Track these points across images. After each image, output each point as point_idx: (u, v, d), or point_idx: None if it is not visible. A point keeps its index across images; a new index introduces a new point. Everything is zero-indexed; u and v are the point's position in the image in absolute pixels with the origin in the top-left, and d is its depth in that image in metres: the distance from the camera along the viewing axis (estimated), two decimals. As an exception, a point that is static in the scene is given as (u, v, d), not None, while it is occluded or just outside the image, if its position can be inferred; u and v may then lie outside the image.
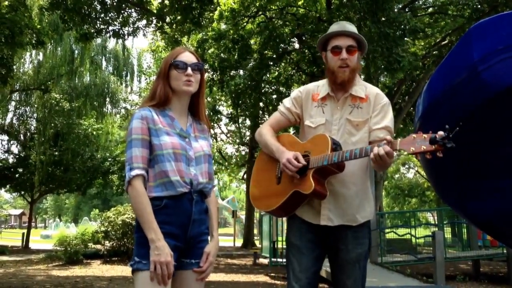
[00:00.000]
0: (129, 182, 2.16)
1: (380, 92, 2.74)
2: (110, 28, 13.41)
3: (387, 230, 13.51)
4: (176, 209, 2.19)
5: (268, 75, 17.02)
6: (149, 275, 2.06)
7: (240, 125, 26.25)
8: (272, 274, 12.30)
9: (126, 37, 13.85)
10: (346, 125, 2.63)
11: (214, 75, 15.13)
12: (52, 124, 23.26)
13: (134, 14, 13.84)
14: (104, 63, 26.82)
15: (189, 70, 2.28)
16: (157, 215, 2.13)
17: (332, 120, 2.66)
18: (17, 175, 24.86)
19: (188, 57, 2.33)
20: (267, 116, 19.45)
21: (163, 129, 2.24)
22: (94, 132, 24.78)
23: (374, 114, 2.64)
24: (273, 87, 18.62)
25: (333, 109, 2.68)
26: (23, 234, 26.47)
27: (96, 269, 13.62)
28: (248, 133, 26.11)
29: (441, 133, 2.09)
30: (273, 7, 15.20)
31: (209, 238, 2.37)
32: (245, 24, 15.34)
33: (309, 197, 2.54)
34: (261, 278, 11.74)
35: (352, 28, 2.71)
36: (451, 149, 2.06)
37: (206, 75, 15.09)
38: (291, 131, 14.61)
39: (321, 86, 2.77)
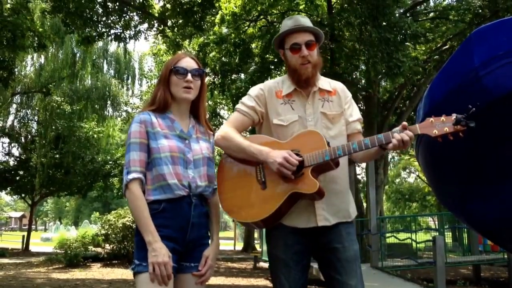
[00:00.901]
0: (127, 185, 2.18)
1: (343, 85, 2.69)
2: (112, 31, 13.46)
3: (387, 235, 13.49)
4: (174, 212, 2.19)
5: (269, 79, 17.02)
6: (149, 277, 2.07)
7: (241, 129, 26.19)
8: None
9: (127, 40, 13.92)
10: (322, 119, 2.51)
11: (215, 79, 15.13)
12: (53, 127, 23.28)
13: (135, 18, 13.90)
14: (105, 66, 26.95)
15: (189, 76, 2.29)
16: (156, 218, 2.14)
17: (306, 116, 2.50)
18: (17, 178, 24.90)
19: (188, 62, 2.33)
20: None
21: (161, 132, 2.24)
22: (95, 135, 24.78)
23: (346, 107, 2.60)
24: (274, 91, 18.60)
25: (304, 105, 2.53)
26: (23, 236, 26.47)
27: (96, 272, 13.61)
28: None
29: (459, 115, 2.13)
30: (275, 11, 15.22)
31: (209, 241, 2.36)
32: (246, 28, 15.35)
33: (304, 198, 2.35)
34: (261, 282, 11.72)
35: (306, 21, 2.58)
36: (473, 128, 2.08)
37: (207, 78, 15.13)
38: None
39: (281, 83, 2.61)
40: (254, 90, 2.64)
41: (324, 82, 2.61)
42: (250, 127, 2.73)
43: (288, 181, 2.32)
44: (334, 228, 2.45)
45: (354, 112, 2.61)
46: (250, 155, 2.41)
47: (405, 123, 2.26)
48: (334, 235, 2.44)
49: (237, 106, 2.64)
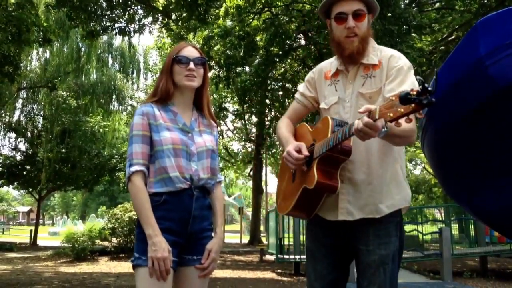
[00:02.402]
0: (129, 178, 2.18)
1: (396, 53, 2.31)
2: (116, 25, 13.46)
3: (394, 227, 13.44)
4: (175, 204, 2.19)
5: (274, 72, 16.99)
6: (148, 271, 2.07)
7: (246, 122, 26.23)
8: (278, 271, 12.30)
9: (132, 34, 13.93)
10: (359, 100, 2.23)
11: (220, 72, 15.11)
12: (59, 122, 23.35)
13: (140, 11, 13.90)
14: (110, 61, 26.99)
15: (192, 65, 2.27)
16: (157, 210, 2.14)
17: (345, 97, 2.28)
18: (24, 173, 25.02)
19: (190, 51, 2.32)
20: (273, 113, 19.43)
21: (163, 124, 2.23)
22: (101, 129, 24.87)
23: (388, 81, 2.21)
24: (279, 84, 18.56)
25: (345, 84, 2.30)
26: (31, 231, 26.66)
27: (104, 265, 13.69)
28: (254, 130, 26.09)
29: (415, 89, 1.68)
30: (279, 4, 15.15)
31: (212, 234, 2.35)
32: (251, 20, 15.29)
33: (321, 192, 2.18)
34: (268, 274, 11.74)
35: None
36: (429, 105, 1.65)
37: (212, 72, 15.12)
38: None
39: (334, 62, 2.39)
40: (308, 75, 2.50)
41: (374, 54, 2.29)
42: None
43: (304, 174, 2.22)
44: (362, 226, 2.20)
45: (397, 86, 2.15)
46: (283, 147, 2.36)
47: (369, 106, 1.87)
48: (360, 235, 2.22)
49: (296, 93, 2.55)
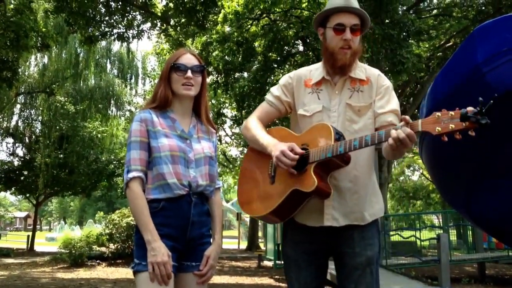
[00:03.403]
0: (127, 184, 2.17)
1: (381, 73, 2.43)
2: (115, 31, 13.50)
3: (392, 233, 13.46)
4: (174, 211, 2.18)
5: (272, 78, 17.01)
6: (149, 276, 2.07)
7: (245, 127, 26.17)
8: (276, 277, 12.28)
9: (130, 40, 13.97)
10: (347, 111, 2.29)
11: (218, 78, 15.14)
12: (57, 127, 23.34)
13: (138, 17, 13.93)
14: (108, 66, 27.03)
15: (189, 73, 2.27)
16: (155, 217, 2.14)
17: (331, 106, 2.31)
18: (22, 178, 24.96)
19: (189, 59, 2.31)
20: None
21: (161, 131, 2.23)
22: (99, 135, 24.84)
23: (378, 98, 2.32)
24: (277, 90, 18.58)
25: (331, 94, 2.33)
26: (28, 236, 26.56)
27: (101, 271, 13.64)
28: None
29: (471, 108, 1.78)
30: (277, 10, 15.18)
31: (211, 240, 2.35)
32: (249, 26, 15.32)
33: (310, 197, 2.18)
34: (266, 280, 11.72)
35: (356, 3, 2.33)
36: (485, 126, 1.74)
37: (210, 77, 15.15)
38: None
39: (314, 70, 2.43)
40: (283, 79, 2.50)
41: (360, 70, 2.37)
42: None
43: (293, 177, 2.19)
44: (346, 231, 2.26)
45: (387, 103, 2.30)
46: (262, 147, 2.33)
47: (406, 117, 1.94)
48: (345, 239, 2.27)
49: (267, 95, 2.54)
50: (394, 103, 2.32)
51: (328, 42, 2.34)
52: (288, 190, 2.19)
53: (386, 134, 1.98)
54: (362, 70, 2.38)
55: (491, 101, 1.75)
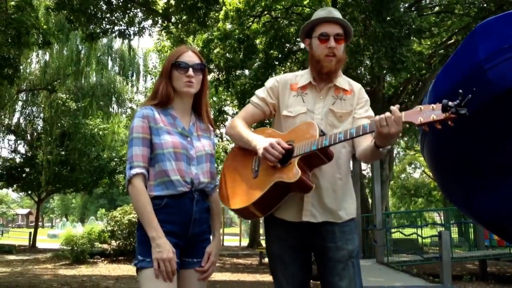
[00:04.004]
0: (129, 181, 2.17)
1: (362, 88, 2.61)
2: (116, 28, 13.45)
3: (393, 230, 13.48)
4: (176, 208, 2.19)
5: (273, 75, 17.03)
6: (154, 273, 2.07)
7: (246, 125, 26.15)
8: (277, 274, 12.29)
9: (132, 37, 13.88)
10: (329, 116, 2.44)
11: (219, 75, 15.14)
12: (59, 124, 23.33)
13: (139, 14, 13.87)
14: (110, 63, 26.97)
15: (191, 71, 2.27)
16: (158, 214, 2.14)
17: (314, 109, 2.45)
18: (24, 175, 24.98)
19: (190, 57, 2.31)
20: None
21: (164, 128, 2.23)
22: (100, 132, 24.84)
23: (358, 107, 2.50)
24: (278, 87, 18.59)
25: (315, 98, 2.48)
26: (30, 233, 26.63)
27: (103, 268, 13.67)
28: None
29: (452, 102, 1.89)
30: (279, 7, 15.19)
31: (211, 237, 2.36)
32: (250, 23, 15.33)
33: (292, 190, 2.26)
34: (267, 277, 11.73)
35: (339, 15, 2.52)
36: (463, 116, 1.85)
37: (211, 75, 15.13)
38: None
39: (299, 76, 2.57)
40: (269, 82, 2.62)
41: (344, 81, 2.54)
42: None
43: (277, 170, 2.27)
44: (327, 227, 2.38)
45: (363, 112, 2.49)
46: (246, 143, 2.41)
47: (392, 107, 2.04)
48: (326, 233, 2.38)
49: (252, 97, 2.65)
50: (370, 112, 2.50)
51: (314, 50, 2.49)
52: (271, 182, 2.25)
53: (370, 125, 2.08)
54: (346, 81, 2.55)
55: (470, 96, 1.85)
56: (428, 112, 1.94)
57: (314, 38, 2.48)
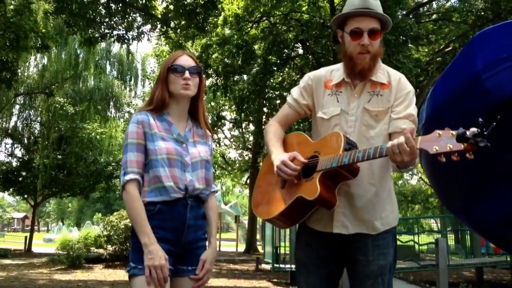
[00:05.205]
0: (123, 187, 2.17)
1: (404, 77, 2.34)
2: (115, 32, 13.48)
3: (390, 237, 13.43)
4: (170, 214, 2.18)
5: (272, 81, 17.04)
6: (145, 280, 2.05)
7: (244, 130, 26.25)
8: (274, 280, 12.26)
9: (130, 41, 13.92)
10: (364, 116, 2.24)
11: (218, 80, 15.16)
12: (56, 128, 23.30)
13: (138, 19, 13.91)
14: (108, 67, 27.04)
15: (187, 74, 2.26)
16: (151, 220, 2.12)
17: (349, 110, 2.26)
18: (20, 179, 24.89)
19: (186, 60, 2.31)
20: (270, 122, 19.41)
21: (158, 134, 2.23)
22: (98, 136, 24.79)
23: (396, 103, 2.24)
24: (276, 93, 18.63)
25: (350, 97, 2.28)
26: (25, 237, 26.48)
27: (99, 273, 13.60)
28: (251, 138, 26.13)
29: (473, 129, 1.69)
30: (277, 13, 15.24)
31: (206, 244, 2.34)
32: (249, 29, 15.38)
33: (316, 205, 2.15)
34: (264, 283, 11.70)
35: (376, 4, 2.25)
36: (484, 149, 1.65)
37: (210, 80, 15.15)
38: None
39: (335, 71, 2.37)
40: (303, 80, 2.45)
41: (382, 73, 2.30)
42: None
43: (300, 183, 2.17)
44: (357, 238, 2.21)
45: (405, 109, 2.23)
46: (269, 153, 2.34)
47: (406, 132, 1.86)
48: (359, 245, 2.22)
49: (287, 96, 2.51)
50: (411, 108, 2.24)
51: (346, 47, 2.29)
52: (294, 197, 2.17)
53: (387, 149, 1.92)
54: (385, 73, 2.32)
55: (494, 124, 1.67)
56: (446, 140, 1.75)
57: (346, 33, 2.27)
